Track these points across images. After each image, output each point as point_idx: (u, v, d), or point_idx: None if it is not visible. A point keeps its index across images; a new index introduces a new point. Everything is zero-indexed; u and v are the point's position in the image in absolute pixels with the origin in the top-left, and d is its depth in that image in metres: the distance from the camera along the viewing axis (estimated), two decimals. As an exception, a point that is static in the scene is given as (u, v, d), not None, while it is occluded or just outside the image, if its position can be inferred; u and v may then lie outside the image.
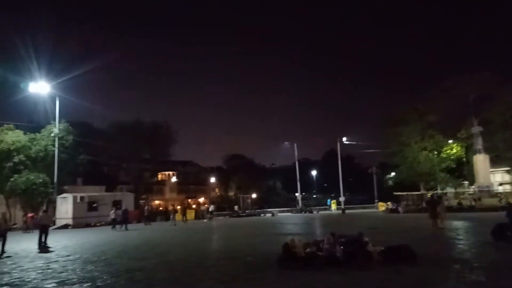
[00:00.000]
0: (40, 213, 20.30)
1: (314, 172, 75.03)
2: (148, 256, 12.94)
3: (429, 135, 47.99)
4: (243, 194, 66.75)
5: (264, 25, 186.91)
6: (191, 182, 77.49)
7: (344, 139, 55.80)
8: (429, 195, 30.47)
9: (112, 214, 28.75)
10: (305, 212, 49.97)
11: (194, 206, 63.13)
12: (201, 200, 75.98)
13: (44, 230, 16.84)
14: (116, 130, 50.32)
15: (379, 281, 7.67)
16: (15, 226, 30.09)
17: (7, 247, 15.11)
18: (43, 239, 16.71)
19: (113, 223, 27.85)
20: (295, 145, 59.73)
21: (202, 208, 50.73)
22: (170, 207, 42.20)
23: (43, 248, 16.22)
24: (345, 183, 51.89)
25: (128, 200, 38.12)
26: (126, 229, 26.59)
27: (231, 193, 75.25)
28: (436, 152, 48.47)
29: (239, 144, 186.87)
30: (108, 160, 48.85)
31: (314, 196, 76.90)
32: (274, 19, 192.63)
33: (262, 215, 49.07)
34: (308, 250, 9.75)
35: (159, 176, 71.33)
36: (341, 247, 9.48)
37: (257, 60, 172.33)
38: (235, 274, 9.03)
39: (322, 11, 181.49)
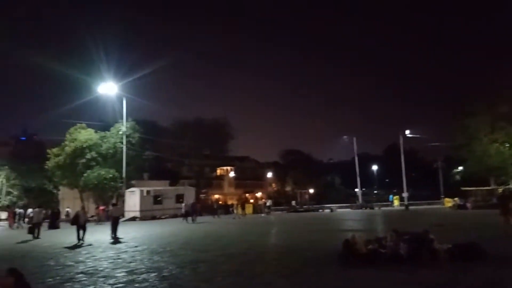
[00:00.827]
0: (111, 206, 21.59)
1: (375, 167, 72.64)
2: (210, 248, 13.37)
3: (500, 127, 44.46)
4: (300, 189, 66.38)
5: (327, 21, 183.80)
6: (248, 177, 78.51)
7: (407, 132, 53.31)
8: (500, 190, 28.27)
9: (184, 207, 29.88)
10: (366, 208, 48.62)
11: (251, 200, 64.00)
12: (259, 194, 76.78)
13: (115, 222, 18.01)
14: (179, 127, 52.50)
15: (445, 280, 7.31)
16: (93, 218, 32.48)
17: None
18: (115, 231, 17.89)
19: (185, 215, 28.83)
20: (354, 139, 58.16)
21: (260, 202, 51.29)
22: (231, 201, 43.22)
23: (115, 238, 17.39)
24: (408, 178, 49.51)
25: (190, 194, 39.53)
26: (194, 221, 27.46)
27: (288, 188, 75.18)
28: (507, 145, 44.78)
29: (296, 139, 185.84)
30: (171, 156, 50.96)
31: (375, 192, 74.36)
32: (336, 16, 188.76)
33: (320, 210, 48.52)
34: (370, 247, 9.51)
35: (218, 171, 73.10)
36: (405, 245, 9.13)
37: (316, 54, 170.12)
38: (295, 269, 9.06)
39: (386, 7, 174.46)
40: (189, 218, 28.53)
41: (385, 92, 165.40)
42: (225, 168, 74.18)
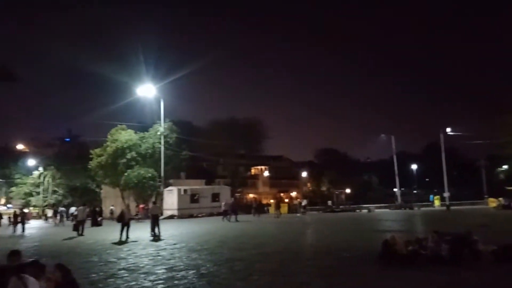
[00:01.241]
0: (151, 205, 22.14)
1: (414, 166, 70.45)
2: (246, 247, 13.49)
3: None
4: (336, 189, 65.51)
5: (362, 21, 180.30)
6: (283, 177, 78.30)
7: (448, 130, 51.31)
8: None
9: (223, 206, 30.20)
10: (405, 209, 47.23)
11: (286, 200, 63.84)
12: (293, 194, 76.47)
13: (154, 220, 18.47)
14: (214, 127, 53.32)
15: (490, 282, 7.02)
16: (137, 216, 33.68)
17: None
18: (154, 228, 18.35)
19: (224, 214, 29.02)
20: (392, 138, 56.64)
21: (295, 202, 51.04)
22: (265, 201, 43.32)
23: (155, 236, 17.87)
24: (449, 177, 47.73)
25: (225, 193, 39.98)
26: (232, 220, 27.60)
27: (324, 188, 74.39)
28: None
29: (331, 138, 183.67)
30: (206, 155, 51.78)
31: (415, 191, 72.11)
32: (371, 14, 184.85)
33: (357, 211, 47.65)
34: (410, 248, 9.27)
35: (253, 171, 73.47)
36: (447, 246, 8.84)
37: (352, 53, 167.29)
38: (332, 269, 8.99)
39: (422, 5, 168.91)
40: (229, 217, 28.58)
41: (423, 90, 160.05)
42: (259, 167, 74.41)
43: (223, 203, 31.24)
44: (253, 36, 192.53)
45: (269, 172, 74.80)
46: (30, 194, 54.45)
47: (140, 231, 20.72)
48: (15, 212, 31.53)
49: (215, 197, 38.47)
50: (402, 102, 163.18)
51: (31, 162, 56.12)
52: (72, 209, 34.59)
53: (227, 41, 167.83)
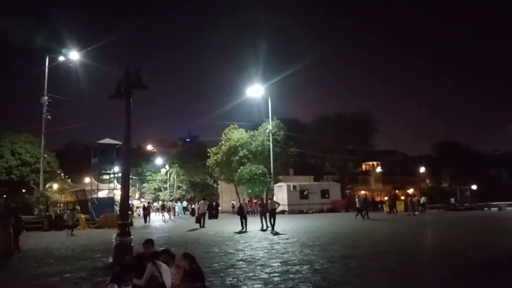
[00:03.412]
0: (268, 200, 22.65)
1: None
2: (359, 244, 13.17)
3: None
4: (459, 185, 59.59)
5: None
6: (397, 172, 74.06)
7: None
8: None
9: (357, 202, 29.95)
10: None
11: (402, 197, 60.22)
12: (410, 191, 71.73)
13: (272, 215, 19.04)
14: (320, 123, 52.93)
15: None
16: (256, 210, 35.48)
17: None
18: (272, 222, 18.92)
19: (358, 211, 28.49)
20: (526, 126, 49.31)
21: (412, 199, 47.86)
22: (379, 198, 41.52)
23: (272, 229, 18.41)
24: None
25: (334, 190, 39.50)
26: (368, 217, 26.82)
27: (445, 184, 68.29)
28: None
29: (451, 130, 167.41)
30: (314, 152, 51.68)
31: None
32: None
33: (485, 209, 42.74)
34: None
35: (363, 167, 71.03)
36: None
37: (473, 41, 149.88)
38: (456, 272, 8.27)
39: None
40: (363, 214, 27.92)
41: None
42: (370, 163, 71.62)
43: (356, 200, 30.84)
44: (356, 33, 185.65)
45: (382, 168, 71.45)
46: (159, 189, 61.27)
47: (254, 225, 21.69)
48: (144, 205, 36.06)
49: (325, 193, 38.24)
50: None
51: (159, 161, 63.42)
52: (195, 205, 37.54)
53: (333, 39, 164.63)
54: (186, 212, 44.75)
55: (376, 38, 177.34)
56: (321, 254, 11.07)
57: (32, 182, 31.22)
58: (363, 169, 71.74)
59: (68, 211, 24.89)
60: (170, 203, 46.02)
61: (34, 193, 29.33)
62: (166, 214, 36.82)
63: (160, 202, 49.44)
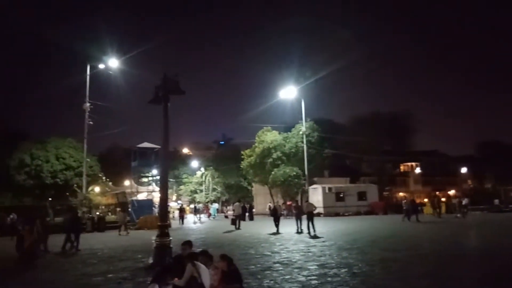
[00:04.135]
0: (304, 202, 22.24)
1: None
2: (399, 248, 12.84)
3: None
4: (504, 186, 56.67)
5: None
6: (438, 173, 71.31)
7: None
8: None
9: (403, 204, 29.33)
10: None
11: (443, 199, 58.04)
12: (451, 192, 68.96)
13: (309, 217, 18.72)
14: (355, 124, 51.94)
15: None
16: (285, 213, 35.55)
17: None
18: (310, 225, 18.58)
19: (406, 213, 27.81)
20: None
21: (454, 201, 45.97)
22: (419, 200, 40.19)
23: (309, 232, 18.10)
24: None
25: (372, 192, 38.67)
26: (417, 220, 26.12)
27: (488, 185, 65.18)
28: None
29: (494, 130, 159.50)
30: (349, 153, 50.80)
31: None
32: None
33: (532, 211, 40.37)
34: None
35: (402, 167, 69.00)
36: None
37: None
38: (499, 276, 7.89)
39: None
40: (410, 216, 27.25)
41: None
42: (409, 163, 69.55)
43: (403, 202, 30.17)
44: (394, 33, 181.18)
45: (421, 169, 69.15)
46: (194, 192, 62.38)
47: (289, 227, 21.62)
48: (179, 207, 37.03)
49: (362, 195, 37.52)
50: None
51: (194, 163, 64.64)
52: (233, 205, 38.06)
53: (369, 39, 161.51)
54: (219, 214, 45.45)
55: (414, 36, 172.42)
56: (359, 257, 10.87)
57: (75, 185, 32.59)
58: (402, 170, 69.69)
59: (119, 212, 25.83)
60: (200, 205, 46.87)
61: (78, 196, 30.60)
62: (197, 215, 37.55)
63: (191, 205, 50.33)
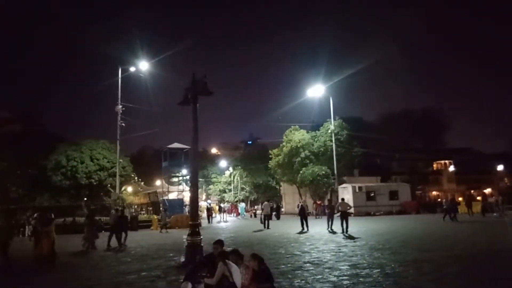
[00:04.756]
0: (340, 201, 21.83)
1: None
2: (432, 248, 12.51)
3: None
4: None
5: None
6: (472, 171, 68.89)
7: None
8: None
9: (444, 203, 28.74)
10: None
11: (478, 198, 56.00)
12: (487, 191, 66.41)
13: (344, 217, 18.41)
14: (385, 121, 50.89)
15: None
16: (315, 213, 35.56)
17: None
18: (344, 226, 18.28)
19: (446, 212, 27.16)
20: None
21: (490, 200, 44.27)
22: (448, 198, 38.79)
23: (343, 232, 17.86)
24: None
25: (404, 191, 37.80)
26: (456, 219, 25.50)
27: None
28: None
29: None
30: (380, 151, 49.82)
31: None
32: None
33: None
34: None
35: (434, 166, 67.11)
36: None
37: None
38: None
39: None
40: (451, 215, 26.59)
41: None
42: (442, 161, 67.56)
43: (444, 200, 29.63)
44: (426, 29, 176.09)
45: (455, 167, 67.03)
46: (223, 191, 62.96)
47: (319, 227, 21.46)
48: (207, 206, 37.61)
49: (393, 194, 36.74)
50: None
51: (223, 163, 65.28)
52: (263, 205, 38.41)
53: (399, 36, 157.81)
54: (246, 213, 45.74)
55: (447, 31, 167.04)
56: (392, 257, 10.67)
57: (109, 185, 33.64)
58: (434, 169, 67.79)
59: (162, 211, 26.57)
60: (225, 204, 47.31)
61: (111, 196, 31.56)
62: (221, 215, 37.92)
63: (214, 204, 50.69)
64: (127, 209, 31.42)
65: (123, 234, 16.67)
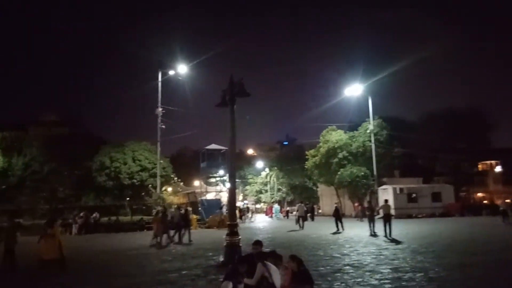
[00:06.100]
0: (383, 202, 21.19)
1: None
2: (478, 252, 11.99)
3: None
4: None
5: None
6: (521, 172, 65.08)
7: None
8: None
9: (501, 206, 27.75)
10: None
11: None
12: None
13: (387, 220, 17.79)
14: (427, 121, 49.17)
15: None
16: (354, 215, 35.14)
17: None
18: (387, 228, 17.61)
19: (504, 215, 26.18)
20: None
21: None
22: (499, 201, 36.92)
23: (385, 235, 17.28)
24: None
25: (447, 192, 36.41)
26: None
27: None
28: None
29: None
30: (422, 152, 48.16)
31: None
32: None
33: None
34: None
35: (480, 166, 63.97)
36: None
37: None
38: None
39: None
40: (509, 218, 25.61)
41: None
42: (488, 162, 64.35)
43: (500, 202, 28.75)
44: (468, 28, 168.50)
45: (502, 168, 63.66)
46: (260, 192, 63.22)
47: (359, 229, 21.08)
48: (239, 207, 37.96)
49: (436, 196, 35.44)
50: None
51: (259, 164, 65.55)
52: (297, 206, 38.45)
53: (441, 34, 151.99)
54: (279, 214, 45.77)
55: (488, 31, 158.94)
56: (435, 261, 10.31)
57: (150, 185, 34.68)
58: (480, 169, 64.65)
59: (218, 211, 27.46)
60: (249, 204, 47.53)
61: (152, 196, 32.52)
62: (247, 215, 38.03)
63: (239, 205, 50.94)
64: (176, 210, 32.39)
65: (183, 231, 18.26)
